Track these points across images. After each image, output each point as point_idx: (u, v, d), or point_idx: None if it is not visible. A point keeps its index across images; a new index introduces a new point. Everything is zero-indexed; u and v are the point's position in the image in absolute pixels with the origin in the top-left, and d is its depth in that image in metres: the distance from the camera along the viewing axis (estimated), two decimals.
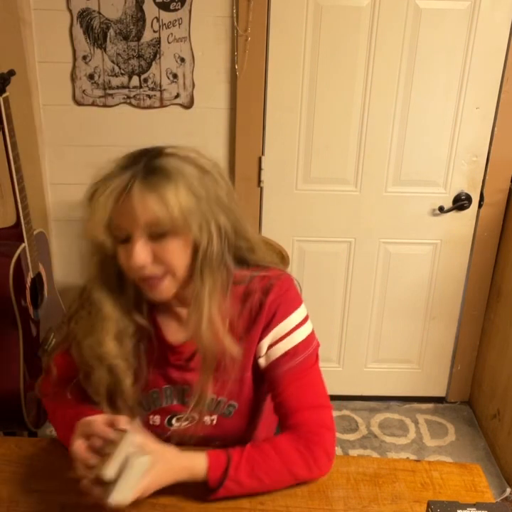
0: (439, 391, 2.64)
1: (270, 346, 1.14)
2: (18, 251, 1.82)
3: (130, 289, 1.11)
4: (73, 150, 2.19)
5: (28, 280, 1.88)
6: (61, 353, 1.19)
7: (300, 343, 1.14)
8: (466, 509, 0.91)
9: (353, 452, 2.35)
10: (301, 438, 1.09)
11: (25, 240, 1.86)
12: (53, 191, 2.25)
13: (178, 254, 1.04)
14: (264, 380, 1.19)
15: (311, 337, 1.16)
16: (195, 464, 1.04)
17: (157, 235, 1.01)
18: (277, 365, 1.14)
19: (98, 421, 1.00)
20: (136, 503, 1.04)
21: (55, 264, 2.29)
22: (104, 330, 1.09)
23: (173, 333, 1.17)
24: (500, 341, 2.32)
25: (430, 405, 2.62)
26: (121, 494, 0.90)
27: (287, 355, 1.13)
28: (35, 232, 1.93)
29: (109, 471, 0.90)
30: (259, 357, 1.16)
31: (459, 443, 2.42)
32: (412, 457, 2.30)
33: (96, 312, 1.10)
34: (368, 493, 1.10)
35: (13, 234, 1.85)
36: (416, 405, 2.62)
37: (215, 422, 1.19)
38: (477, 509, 0.91)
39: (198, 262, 1.05)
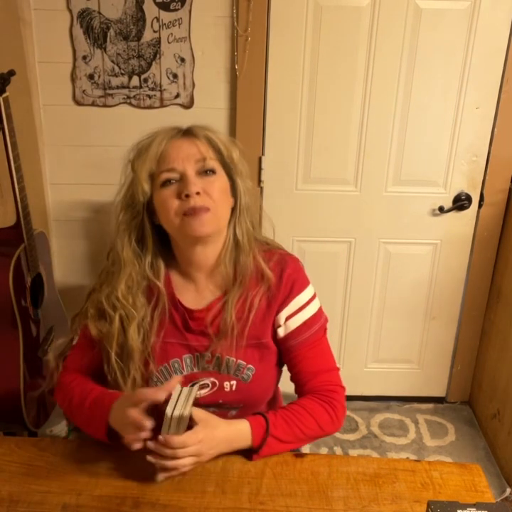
0: (439, 391, 2.64)
1: (288, 317, 1.23)
2: (18, 251, 1.82)
3: (149, 251, 1.20)
4: (73, 150, 2.19)
5: (28, 280, 1.88)
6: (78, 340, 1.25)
7: (314, 315, 1.26)
8: (466, 509, 0.91)
9: (353, 452, 2.35)
10: (322, 396, 1.22)
11: (25, 240, 1.86)
12: (53, 191, 2.25)
13: (222, 193, 1.18)
14: (281, 350, 1.28)
15: (321, 310, 1.29)
16: (239, 427, 1.14)
17: (207, 169, 1.16)
18: (295, 335, 1.24)
19: (144, 391, 1.07)
20: (140, 502, 1.04)
21: (55, 264, 2.29)
22: (119, 276, 1.19)
23: (192, 299, 1.23)
24: (500, 341, 2.32)
25: (430, 405, 2.62)
26: (178, 411, 1.03)
27: (304, 325, 1.24)
28: (35, 232, 1.93)
29: (169, 410, 1.04)
30: (278, 327, 1.24)
31: (459, 443, 2.42)
32: (412, 457, 2.30)
33: (115, 260, 1.20)
34: (368, 493, 1.10)
35: (13, 234, 1.85)
36: (416, 405, 2.62)
37: (235, 387, 1.23)
38: (477, 509, 0.91)
39: (240, 202, 1.21)
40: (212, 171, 1.17)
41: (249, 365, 1.22)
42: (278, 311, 1.23)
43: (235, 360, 1.22)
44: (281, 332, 1.24)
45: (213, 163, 1.17)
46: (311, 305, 1.25)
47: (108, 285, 1.20)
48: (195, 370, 1.23)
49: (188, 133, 1.20)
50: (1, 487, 1.09)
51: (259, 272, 1.22)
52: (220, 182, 1.18)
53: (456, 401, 2.64)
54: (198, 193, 1.13)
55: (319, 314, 1.27)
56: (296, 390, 1.27)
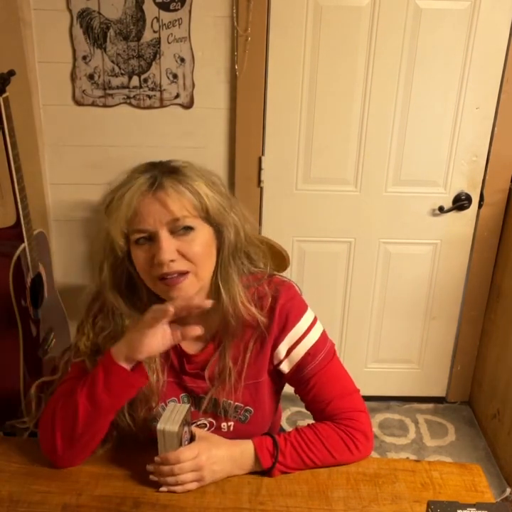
0: (439, 391, 2.64)
1: (290, 350, 1.18)
2: (18, 251, 1.82)
3: (143, 293, 1.14)
4: (73, 150, 2.19)
5: (28, 280, 1.88)
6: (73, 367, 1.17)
7: (317, 341, 1.19)
8: (466, 509, 0.91)
9: None
10: (340, 425, 1.16)
11: (25, 240, 1.86)
12: (53, 191, 2.25)
13: (204, 249, 1.09)
14: (282, 384, 1.25)
15: (324, 336, 1.22)
16: (243, 447, 1.12)
17: (183, 229, 1.06)
18: (302, 366, 1.18)
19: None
20: (140, 502, 1.04)
21: (55, 264, 2.29)
22: (124, 329, 1.12)
23: (187, 343, 1.19)
24: (500, 341, 2.32)
25: (430, 405, 2.62)
26: (169, 425, 1.05)
27: (309, 355, 1.18)
28: (35, 232, 1.93)
29: (160, 425, 1.06)
30: (279, 362, 1.19)
31: (459, 443, 2.42)
32: (412, 457, 2.30)
33: (114, 314, 1.13)
34: (368, 493, 1.10)
35: (13, 234, 1.85)
36: (416, 405, 2.62)
37: (232, 428, 1.21)
38: (477, 509, 0.91)
39: (224, 253, 1.12)
40: (190, 228, 1.06)
41: (247, 407, 1.20)
42: (275, 345, 1.18)
43: (232, 402, 1.19)
44: (285, 367, 1.19)
45: (189, 220, 1.06)
46: (312, 332, 1.19)
47: (112, 336, 1.12)
48: (192, 410, 1.19)
49: (158, 187, 1.06)
50: (1, 487, 1.09)
51: (253, 319, 1.15)
52: (200, 238, 1.08)
53: (456, 401, 2.64)
54: (172, 260, 1.04)
55: (323, 341, 1.20)
56: (315, 420, 1.21)
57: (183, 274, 1.06)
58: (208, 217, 1.09)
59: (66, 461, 1.13)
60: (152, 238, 1.06)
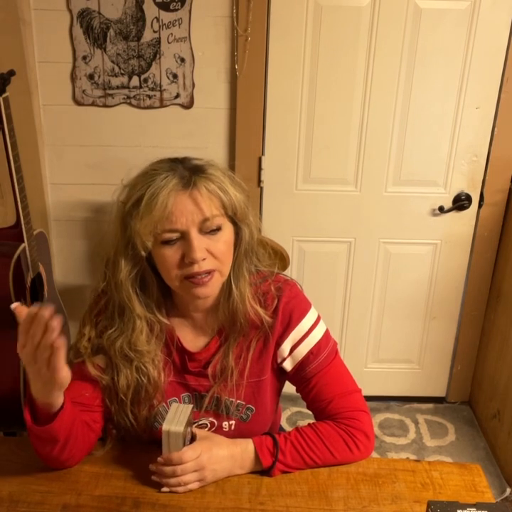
0: (439, 391, 2.64)
1: (293, 348, 1.19)
2: (18, 251, 1.82)
3: (153, 292, 1.14)
4: (73, 150, 2.19)
5: (28, 280, 1.88)
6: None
7: (320, 339, 1.20)
8: (466, 509, 0.91)
9: None
10: (340, 424, 1.16)
11: (25, 240, 1.86)
12: (53, 191, 2.25)
13: (228, 248, 1.11)
14: (283, 383, 1.25)
15: (327, 335, 1.22)
16: (243, 446, 1.12)
17: (212, 229, 1.07)
18: (304, 364, 1.19)
19: None
20: (140, 502, 1.04)
21: (55, 264, 2.29)
22: (136, 329, 1.13)
23: (190, 340, 1.20)
24: (500, 341, 2.32)
25: (430, 405, 2.62)
26: (174, 426, 1.05)
27: (312, 353, 1.19)
28: (35, 232, 1.93)
29: (166, 426, 1.06)
30: (283, 360, 1.20)
31: (459, 443, 2.42)
32: (412, 457, 2.30)
33: (124, 312, 1.13)
34: (368, 493, 1.10)
35: (13, 234, 1.85)
36: (416, 405, 2.62)
37: (233, 427, 1.21)
38: (477, 509, 0.91)
39: (240, 251, 1.13)
40: (218, 229, 1.08)
41: (249, 405, 1.20)
42: (278, 343, 1.19)
43: (234, 400, 1.19)
44: (288, 365, 1.20)
45: (219, 219, 1.07)
46: (315, 330, 1.19)
47: (118, 334, 1.13)
48: (194, 410, 1.19)
49: (193, 187, 1.06)
50: (1, 487, 1.09)
51: (258, 319, 1.16)
52: (225, 236, 1.10)
53: (456, 401, 2.64)
54: (203, 259, 1.06)
55: (326, 339, 1.20)
56: (316, 419, 1.22)
57: (210, 272, 1.08)
58: (233, 217, 1.11)
59: (51, 462, 1.12)
60: (181, 238, 1.06)
